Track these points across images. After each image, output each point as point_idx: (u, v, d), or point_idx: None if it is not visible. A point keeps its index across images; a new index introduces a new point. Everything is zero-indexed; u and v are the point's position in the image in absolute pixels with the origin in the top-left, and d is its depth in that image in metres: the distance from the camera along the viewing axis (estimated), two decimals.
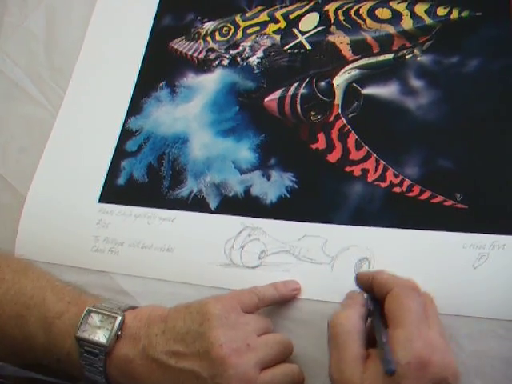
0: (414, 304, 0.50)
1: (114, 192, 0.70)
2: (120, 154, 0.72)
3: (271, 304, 0.59)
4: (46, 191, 0.73)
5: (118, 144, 0.73)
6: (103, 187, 0.71)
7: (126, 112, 0.74)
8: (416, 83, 0.64)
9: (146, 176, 0.70)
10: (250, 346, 0.53)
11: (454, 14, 0.66)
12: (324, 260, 0.60)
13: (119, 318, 0.56)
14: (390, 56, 0.67)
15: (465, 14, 0.65)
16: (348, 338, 0.50)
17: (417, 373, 0.46)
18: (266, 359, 0.54)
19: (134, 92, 0.75)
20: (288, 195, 0.64)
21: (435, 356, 0.46)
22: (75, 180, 0.72)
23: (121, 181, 0.71)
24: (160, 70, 0.76)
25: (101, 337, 0.56)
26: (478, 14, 0.65)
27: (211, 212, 0.66)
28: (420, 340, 0.47)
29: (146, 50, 0.77)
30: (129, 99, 0.75)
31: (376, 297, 0.53)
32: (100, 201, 0.70)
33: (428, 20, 0.66)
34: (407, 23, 0.67)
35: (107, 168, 0.72)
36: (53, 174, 0.73)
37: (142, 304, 0.63)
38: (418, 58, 0.65)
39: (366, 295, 0.54)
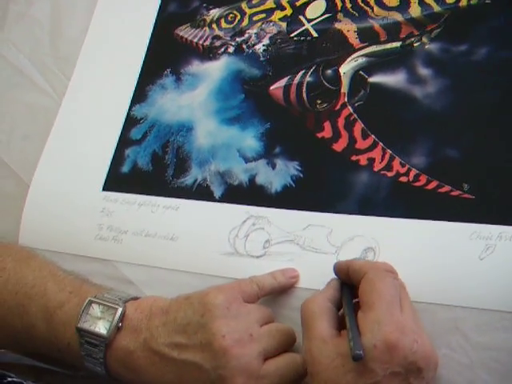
0: (387, 287, 0.50)
1: (118, 180, 0.70)
2: (124, 141, 0.72)
3: (271, 293, 0.58)
4: (49, 179, 0.73)
5: (122, 132, 0.73)
6: (107, 175, 0.71)
7: (130, 99, 0.74)
8: (424, 72, 0.63)
9: (150, 164, 0.70)
10: (252, 336, 0.53)
11: (463, 2, 0.64)
12: (329, 250, 0.59)
13: (120, 310, 0.56)
14: (397, 44, 0.66)
15: (474, 1, 0.64)
16: (314, 317, 0.50)
17: (383, 356, 0.45)
18: (268, 349, 0.54)
19: (138, 79, 0.75)
20: (293, 184, 0.63)
21: (404, 340, 0.46)
22: (79, 168, 0.72)
23: (125, 169, 0.71)
24: (165, 57, 0.75)
25: (101, 328, 0.56)
26: (487, 1, 0.63)
27: (216, 201, 0.65)
28: (389, 323, 0.47)
29: (151, 37, 0.77)
30: (134, 87, 0.74)
31: (353, 284, 0.53)
32: (104, 189, 0.70)
33: (436, 7, 0.65)
34: (415, 10, 0.66)
35: (111, 156, 0.72)
36: (57, 162, 0.73)
37: (146, 293, 0.64)
38: (426, 46, 0.64)
39: (339, 280, 0.55)
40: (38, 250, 0.68)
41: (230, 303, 0.54)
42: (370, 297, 0.49)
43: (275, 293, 0.59)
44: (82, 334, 0.56)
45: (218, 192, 0.66)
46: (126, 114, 0.73)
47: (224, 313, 0.53)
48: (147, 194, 0.68)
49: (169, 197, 0.67)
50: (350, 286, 0.54)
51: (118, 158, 0.71)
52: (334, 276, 0.56)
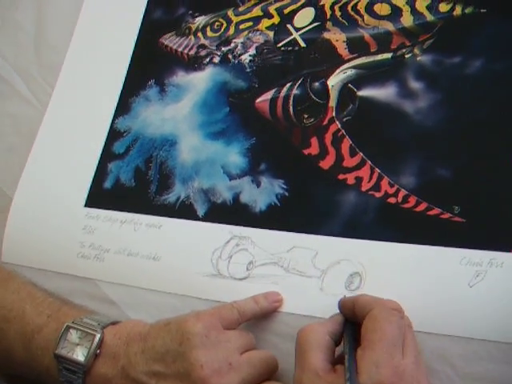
0: (391, 327, 0.47)
1: (101, 196, 0.68)
2: (107, 155, 0.70)
3: (252, 318, 0.57)
4: (32, 194, 0.71)
5: (105, 145, 0.71)
6: (90, 191, 0.69)
7: (114, 111, 0.72)
8: (415, 85, 0.61)
9: (133, 180, 0.68)
10: (231, 365, 0.51)
11: (457, 11, 0.61)
12: (314, 273, 0.57)
13: (98, 336, 0.55)
14: (388, 55, 0.63)
15: (468, 10, 0.61)
16: (309, 348, 0.48)
17: None
18: (248, 379, 0.52)
19: (122, 90, 0.73)
20: (278, 203, 0.61)
21: None
22: (62, 183, 0.70)
23: (107, 184, 0.69)
24: (149, 67, 0.73)
25: (79, 355, 0.54)
26: (482, 10, 0.60)
27: (199, 219, 0.63)
28: (388, 366, 0.44)
29: (135, 46, 0.74)
30: (117, 98, 0.72)
31: (358, 321, 0.50)
32: (86, 205, 0.68)
33: (429, 16, 0.62)
34: (407, 20, 0.63)
35: (94, 170, 0.70)
36: (40, 175, 0.72)
37: (128, 313, 0.62)
38: (418, 58, 0.61)
39: (342, 316, 0.53)
40: (21, 267, 0.68)
41: (208, 331, 0.52)
42: (371, 335, 0.47)
43: (257, 318, 0.57)
44: (60, 360, 0.55)
45: (201, 210, 0.64)
46: (109, 126, 0.71)
47: (203, 341, 0.51)
48: (130, 211, 0.66)
49: (151, 214, 0.65)
50: (353, 323, 0.51)
51: (100, 172, 0.69)
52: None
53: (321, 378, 0.46)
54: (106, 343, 0.55)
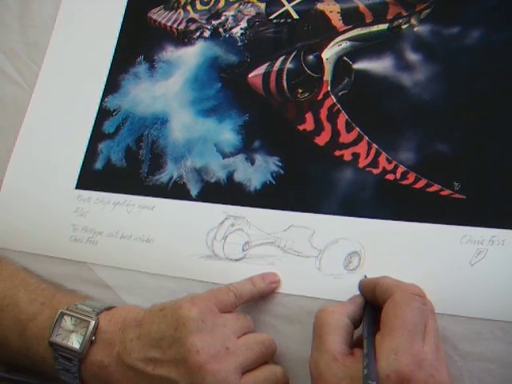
0: (412, 313, 0.46)
1: (92, 177, 0.67)
2: (97, 135, 0.68)
3: (250, 300, 0.55)
4: (22, 177, 0.69)
5: (94, 125, 0.69)
6: (80, 172, 0.67)
7: (103, 90, 0.70)
8: (412, 57, 0.59)
9: (124, 160, 0.66)
10: (229, 349, 0.50)
11: None
12: (311, 253, 0.56)
13: (92, 323, 0.54)
14: (384, 26, 0.61)
15: None
16: (328, 330, 0.47)
17: None
18: (247, 362, 0.51)
19: (111, 68, 0.70)
20: (273, 182, 0.60)
21: (419, 374, 0.43)
22: (52, 164, 0.69)
23: (98, 165, 0.67)
24: (138, 43, 0.71)
25: (74, 342, 0.53)
26: None
27: (192, 199, 0.62)
28: (407, 354, 0.43)
29: (123, 22, 0.72)
30: (106, 76, 0.70)
31: (379, 305, 0.49)
32: (77, 187, 0.66)
33: None
34: None
35: (84, 151, 0.68)
36: (29, 157, 0.70)
37: (122, 297, 0.61)
38: (415, 29, 0.59)
39: (362, 298, 0.52)
40: (13, 252, 0.66)
41: (204, 315, 0.51)
42: (392, 321, 0.46)
43: (255, 299, 0.56)
44: (56, 348, 0.54)
45: (194, 190, 0.62)
46: (98, 105, 0.69)
47: (198, 326, 0.50)
48: (122, 193, 0.64)
49: (144, 195, 0.63)
50: (373, 306, 0.50)
51: (90, 153, 0.67)
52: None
53: (338, 362, 0.45)
54: (101, 329, 0.54)
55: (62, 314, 0.55)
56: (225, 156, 0.62)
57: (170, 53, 0.69)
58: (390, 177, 0.56)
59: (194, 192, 0.62)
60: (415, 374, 0.42)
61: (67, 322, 0.54)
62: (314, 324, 0.49)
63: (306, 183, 0.59)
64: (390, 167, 0.56)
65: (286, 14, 0.65)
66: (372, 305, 0.50)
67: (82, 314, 0.55)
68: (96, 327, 0.54)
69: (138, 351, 0.52)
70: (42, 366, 0.56)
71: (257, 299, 0.56)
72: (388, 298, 0.48)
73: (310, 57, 0.63)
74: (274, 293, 0.56)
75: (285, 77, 0.63)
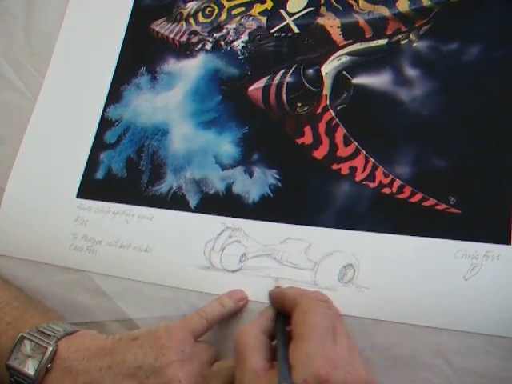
0: (320, 318, 0.47)
1: (93, 187, 0.67)
2: (99, 145, 0.69)
3: (220, 321, 0.56)
4: (24, 185, 0.70)
5: (96, 134, 0.69)
6: (81, 181, 0.68)
7: (105, 100, 0.70)
8: (411, 72, 0.59)
9: (124, 170, 0.67)
10: (205, 378, 0.52)
11: None
12: (307, 265, 0.57)
13: (50, 349, 0.52)
14: (383, 41, 0.61)
15: None
16: (245, 350, 0.48)
17: None
18: None
19: (113, 78, 0.71)
20: (271, 194, 0.60)
21: (335, 374, 0.43)
22: (54, 173, 0.69)
23: (99, 175, 0.67)
24: (140, 54, 0.72)
25: (30, 368, 0.52)
26: None
27: (191, 210, 0.62)
28: (320, 356, 0.44)
29: (126, 33, 0.73)
30: (108, 86, 0.71)
31: (289, 314, 0.50)
32: (78, 196, 0.67)
33: (426, 1, 0.60)
34: (403, 4, 0.61)
35: (86, 161, 0.68)
36: (31, 166, 0.71)
37: (120, 305, 0.62)
38: (414, 44, 0.60)
39: (272, 309, 0.53)
40: (13, 259, 0.67)
41: (183, 345, 0.52)
42: (301, 328, 0.47)
43: (224, 320, 0.56)
44: (12, 372, 0.53)
45: (193, 201, 0.63)
46: (100, 115, 0.70)
47: (179, 356, 0.51)
48: (122, 202, 0.65)
49: (143, 205, 0.64)
50: (284, 315, 0.51)
51: (92, 162, 0.68)
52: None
53: (260, 377, 0.46)
54: (60, 356, 0.53)
55: (22, 338, 0.54)
56: (224, 168, 0.63)
57: (172, 64, 0.69)
58: (386, 191, 0.57)
59: (192, 203, 0.63)
60: (331, 375, 0.43)
61: (26, 346, 0.53)
62: (234, 347, 0.49)
63: (303, 196, 0.59)
64: (386, 181, 0.57)
65: (287, 28, 0.66)
66: (284, 314, 0.51)
67: (40, 339, 0.54)
68: (54, 354, 0.53)
69: (109, 381, 0.51)
70: None
71: (226, 319, 0.57)
72: (295, 307, 0.49)
73: (310, 71, 0.63)
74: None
75: (284, 90, 0.63)
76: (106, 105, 0.70)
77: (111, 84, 0.71)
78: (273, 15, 0.67)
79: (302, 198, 0.59)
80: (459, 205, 0.54)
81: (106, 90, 0.71)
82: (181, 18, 0.71)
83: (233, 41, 0.68)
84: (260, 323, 0.51)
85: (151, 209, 0.64)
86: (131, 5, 0.74)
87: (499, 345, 0.49)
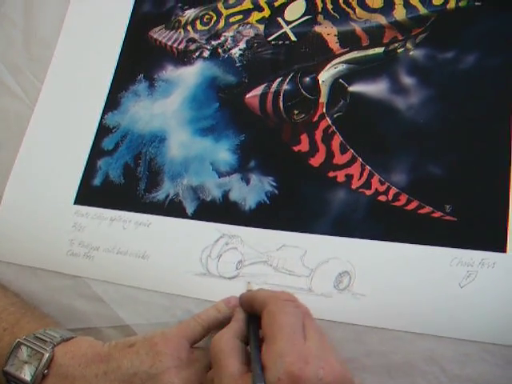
0: (288, 317, 0.48)
1: (90, 193, 0.67)
2: (96, 152, 0.69)
3: (216, 328, 0.55)
4: (22, 191, 0.70)
5: (94, 141, 0.69)
6: (79, 188, 0.68)
7: (103, 106, 0.71)
8: (407, 80, 0.59)
9: (122, 177, 0.67)
10: None
11: (451, 4, 0.60)
12: (303, 272, 0.57)
13: (46, 355, 0.53)
14: (380, 50, 0.62)
15: (463, 3, 0.60)
16: (221, 356, 0.48)
17: None
18: None
19: (111, 85, 0.71)
20: (267, 201, 0.60)
21: (307, 369, 0.44)
22: (51, 180, 0.69)
23: (97, 181, 0.68)
24: (138, 61, 0.72)
25: (26, 374, 0.53)
26: (477, 3, 0.59)
27: (188, 217, 0.62)
28: (292, 354, 0.45)
29: (124, 40, 0.73)
30: (106, 92, 0.71)
31: (259, 316, 0.50)
32: (76, 202, 0.67)
33: (422, 10, 0.61)
34: (400, 13, 0.61)
35: (83, 167, 0.69)
36: (29, 172, 0.71)
37: (117, 312, 0.62)
38: (411, 53, 0.60)
39: (244, 312, 0.53)
40: (10, 265, 0.67)
41: (179, 352, 0.52)
42: (271, 329, 0.47)
43: (221, 325, 0.55)
44: (8, 378, 0.53)
45: (190, 208, 0.63)
46: (98, 121, 0.70)
47: (175, 363, 0.51)
48: (119, 209, 0.65)
49: (141, 212, 0.64)
50: (255, 317, 0.51)
51: (89, 169, 0.68)
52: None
53: (237, 381, 0.46)
54: (57, 362, 0.53)
55: (19, 344, 0.54)
56: (221, 175, 0.63)
57: (170, 72, 0.70)
58: (382, 198, 0.57)
59: (189, 210, 0.63)
60: (304, 371, 0.43)
61: (23, 352, 0.54)
62: (210, 354, 0.50)
63: (299, 203, 0.59)
64: (382, 189, 0.57)
65: (285, 36, 0.66)
66: (255, 317, 0.52)
67: (37, 345, 0.54)
68: (50, 360, 0.53)
69: None
70: None
71: (223, 324, 0.56)
72: (264, 308, 0.49)
73: (307, 79, 0.63)
74: None
75: (281, 98, 0.63)
76: (104, 111, 0.71)
77: (109, 91, 0.71)
78: (270, 23, 0.67)
79: (298, 205, 0.59)
80: (455, 212, 0.54)
81: (104, 97, 0.71)
82: (179, 26, 0.71)
83: (230, 48, 0.68)
84: (233, 327, 0.51)
85: (148, 215, 0.64)
86: (130, 12, 0.74)
87: (494, 352, 0.50)
